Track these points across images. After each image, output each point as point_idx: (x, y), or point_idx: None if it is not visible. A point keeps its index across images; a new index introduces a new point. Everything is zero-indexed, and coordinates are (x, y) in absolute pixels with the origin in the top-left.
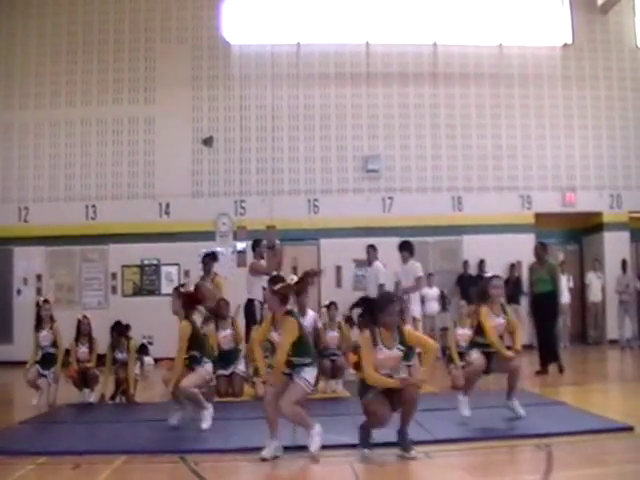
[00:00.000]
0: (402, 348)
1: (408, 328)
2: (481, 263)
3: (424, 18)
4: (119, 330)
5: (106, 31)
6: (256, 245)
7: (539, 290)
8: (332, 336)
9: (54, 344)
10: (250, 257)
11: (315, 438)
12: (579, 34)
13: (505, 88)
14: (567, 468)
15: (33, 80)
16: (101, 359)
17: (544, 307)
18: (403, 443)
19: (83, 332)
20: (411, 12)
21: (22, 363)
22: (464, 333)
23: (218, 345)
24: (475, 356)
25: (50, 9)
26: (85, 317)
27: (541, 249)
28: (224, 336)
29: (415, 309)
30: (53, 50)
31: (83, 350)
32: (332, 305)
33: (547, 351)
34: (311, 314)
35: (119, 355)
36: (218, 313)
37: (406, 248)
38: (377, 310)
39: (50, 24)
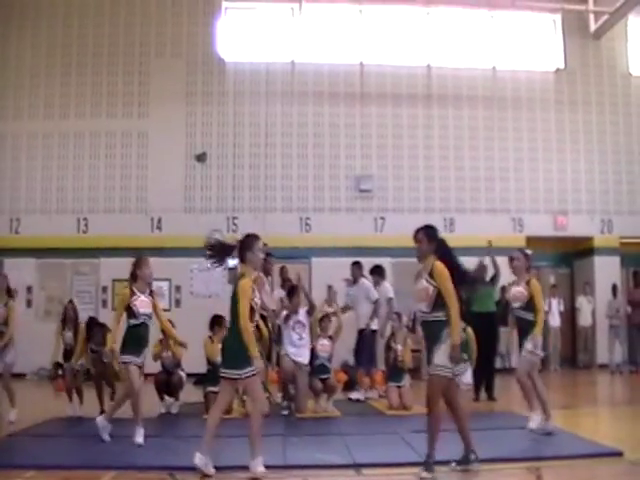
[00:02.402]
0: (429, 281)
1: (439, 264)
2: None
3: (418, 40)
4: (93, 324)
5: (101, 44)
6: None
7: (479, 309)
8: (323, 344)
9: (5, 322)
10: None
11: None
12: (572, 59)
13: (498, 111)
14: None
15: (27, 92)
16: (89, 373)
17: (484, 328)
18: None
19: (69, 318)
20: (405, 34)
21: (11, 375)
22: None
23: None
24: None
25: (45, 22)
26: (71, 302)
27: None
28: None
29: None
30: (47, 62)
31: (69, 335)
32: (325, 317)
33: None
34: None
35: (94, 347)
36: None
37: (377, 272)
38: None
39: (45, 37)
